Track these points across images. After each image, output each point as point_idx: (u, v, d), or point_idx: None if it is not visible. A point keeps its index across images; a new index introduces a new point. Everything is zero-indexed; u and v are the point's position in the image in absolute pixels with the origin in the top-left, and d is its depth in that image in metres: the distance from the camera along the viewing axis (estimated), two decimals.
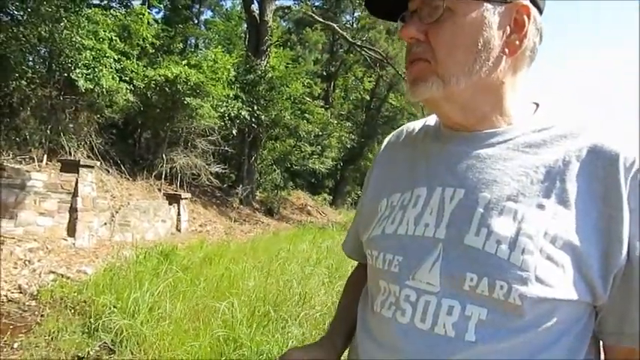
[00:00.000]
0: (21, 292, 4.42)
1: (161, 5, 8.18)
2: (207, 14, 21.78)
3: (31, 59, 7.32)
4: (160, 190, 9.78)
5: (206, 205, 11.75)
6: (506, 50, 0.72)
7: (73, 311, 4.00)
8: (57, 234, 6.19)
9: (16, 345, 3.20)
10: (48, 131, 7.61)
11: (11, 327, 3.57)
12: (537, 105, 0.80)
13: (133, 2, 7.87)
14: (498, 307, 0.65)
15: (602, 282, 0.66)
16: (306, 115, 14.43)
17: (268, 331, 2.90)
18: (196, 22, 17.50)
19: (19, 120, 7.17)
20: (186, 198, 9.41)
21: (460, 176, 0.74)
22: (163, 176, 10.09)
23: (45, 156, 7.56)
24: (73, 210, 6.36)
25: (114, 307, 3.68)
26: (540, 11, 0.75)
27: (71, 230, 6.31)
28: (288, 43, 20.06)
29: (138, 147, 11.10)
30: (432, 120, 0.89)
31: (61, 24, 5.89)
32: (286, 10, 16.93)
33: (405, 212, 0.77)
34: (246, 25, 16.36)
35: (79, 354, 3.09)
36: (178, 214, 9.07)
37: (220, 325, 3.08)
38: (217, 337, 2.85)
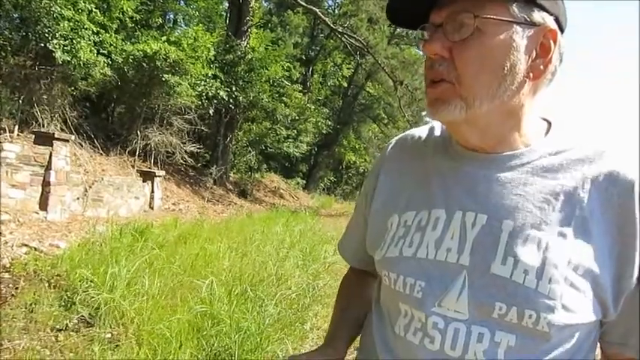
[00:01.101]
0: None
1: None
2: None
3: (3, 26, 7.09)
4: (133, 166, 9.69)
5: (179, 183, 11.70)
6: (531, 75, 0.72)
7: (48, 284, 4.01)
8: (28, 207, 6.12)
9: None
10: (20, 101, 7.45)
11: None
12: (548, 122, 0.81)
13: None
14: (527, 333, 0.68)
15: (614, 303, 0.70)
16: (283, 98, 14.43)
17: (246, 309, 3.02)
18: None
19: None
20: (160, 176, 9.37)
21: (481, 201, 0.74)
22: (137, 153, 9.99)
23: (16, 127, 7.40)
24: (46, 183, 6.28)
25: (90, 281, 3.72)
26: (562, 32, 0.74)
27: (43, 204, 6.24)
28: (269, 25, 19.89)
29: (112, 122, 10.93)
30: (437, 129, 0.89)
31: None
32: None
33: (424, 234, 0.76)
34: (227, 4, 16.12)
35: (57, 326, 3.14)
36: (152, 191, 9.03)
37: (198, 302, 3.18)
38: (196, 313, 2.96)
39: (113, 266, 3.97)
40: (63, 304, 3.49)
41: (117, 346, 2.89)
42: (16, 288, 3.92)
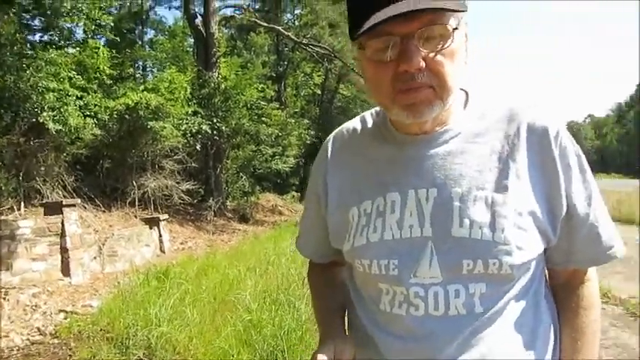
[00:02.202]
0: (41, 334, 4.71)
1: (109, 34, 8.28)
2: (150, 33, 21.76)
3: None
4: (136, 216, 10.01)
5: (182, 223, 12.02)
6: (466, 62, 0.81)
7: (97, 339, 4.36)
8: (53, 276, 6.43)
9: None
10: (20, 178, 7.77)
11: None
12: (465, 92, 0.91)
13: (81, 37, 8.02)
14: (494, 279, 0.79)
15: (552, 231, 0.83)
16: (263, 118, 14.83)
17: (283, 312, 3.41)
18: (141, 43, 17.55)
19: None
20: (164, 219, 9.70)
21: (428, 177, 0.83)
22: (137, 202, 10.32)
23: (22, 203, 7.73)
24: (63, 250, 6.60)
25: (136, 325, 4.07)
26: None
27: (65, 270, 6.56)
28: (235, 50, 20.32)
29: (106, 178, 11.24)
30: (369, 119, 0.97)
31: (27, 72, 6.11)
32: (230, 22, 17.15)
33: (385, 218, 0.84)
34: (192, 40, 16.53)
35: None
36: (160, 235, 9.36)
37: (239, 316, 3.56)
38: (242, 325, 3.34)
39: (152, 307, 4.33)
40: (118, 351, 3.83)
41: None
42: (70, 349, 4.26)
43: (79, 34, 8.40)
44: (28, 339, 4.59)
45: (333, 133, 1.01)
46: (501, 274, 0.78)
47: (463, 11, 0.74)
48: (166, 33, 21.32)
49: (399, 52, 0.74)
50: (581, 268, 0.90)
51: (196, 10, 14.84)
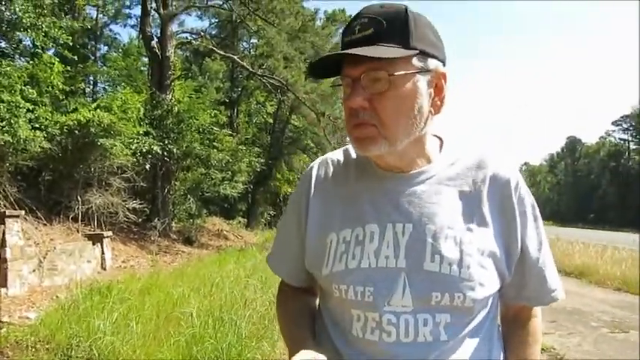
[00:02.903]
0: None
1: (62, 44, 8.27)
2: (103, 49, 21.61)
3: None
4: (78, 231, 9.88)
5: (125, 241, 11.89)
6: (432, 110, 0.90)
7: (34, 349, 4.41)
8: None
9: None
10: None
11: None
12: (439, 138, 1.01)
13: (38, 51, 8.07)
14: (458, 311, 0.87)
15: (507, 270, 0.93)
16: (215, 143, 15.04)
17: (224, 329, 3.68)
18: (94, 59, 17.44)
19: None
20: (107, 236, 9.64)
21: (406, 212, 0.91)
22: (80, 217, 10.19)
23: None
24: (2, 260, 6.51)
25: (79, 337, 4.20)
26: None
27: (2, 280, 6.46)
28: (190, 74, 20.52)
29: (49, 191, 11.03)
30: (353, 153, 1.03)
31: None
32: (186, 46, 17.42)
33: (364, 247, 0.90)
34: (146, 59, 16.62)
35: None
36: (102, 252, 9.29)
37: (183, 330, 3.79)
38: (185, 338, 3.58)
39: (95, 320, 4.46)
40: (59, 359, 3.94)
41: None
42: (7, 358, 4.29)
43: (32, 47, 8.40)
44: None
45: (318, 160, 1.07)
46: (465, 307, 0.86)
47: (407, 57, 0.84)
48: (120, 50, 21.29)
49: (350, 91, 0.86)
50: (529, 305, 1.01)
51: (153, 32, 15.03)
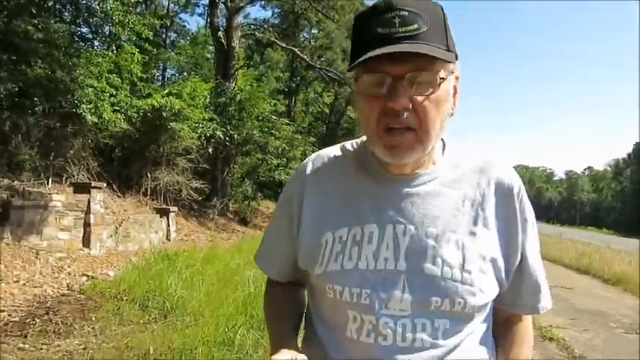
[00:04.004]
0: (69, 289, 5.60)
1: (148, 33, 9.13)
2: (172, 36, 22.90)
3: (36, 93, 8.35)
4: (147, 204, 10.93)
5: (186, 217, 12.92)
6: (451, 112, 0.88)
7: (116, 299, 5.25)
8: (74, 245, 7.32)
9: (93, 318, 4.45)
10: (51, 158, 8.72)
11: (79, 310, 4.80)
12: (442, 140, 0.96)
13: (122, 42, 9.02)
14: (457, 316, 0.85)
15: (506, 277, 0.91)
16: (273, 132, 15.82)
17: None
18: (164, 46, 18.65)
19: (30, 149, 8.26)
20: (173, 211, 10.61)
21: (407, 214, 0.88)
22: (149, 192, 11.25)
23: (50, 179, 8.65)
24: (86, 225, 7.50)
25: (154, 291, 4.98)
26: None
27: (86, 242, 7.45)
28: (252, 63, 21.44)
29: (123, 167, 12.19)
30: (350, 149, 1.00)
31: (77, 71, 7.12)
32: (250, 36, 18.27)
33: (361, 248, 0.87)
34: (212, 49, 17.60)
35: (141, 321, 4.38)
36: (168, 225, 10.26)
37: (240, 294, 4.47)
38: (240, 300, 4.25)
39: (167, 279, 5.24)
40: (138, 308, 4.72)
41: (188, 326, 4.14)
42: (96, 303, 5.14)
43: (117, 38, 9.34)
44: (58, 291, 5.48)
45: (312, 157, 1.03)
46: (465, 313, 0.85)
47: (450, 62, 0.82)
48: (188, 39, 22.49)
49: (390, 90, 0.80)
50: (522, 314, 1.01)
51: (220, 22, 15.95)
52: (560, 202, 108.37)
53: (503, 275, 0.90)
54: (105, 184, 8.45)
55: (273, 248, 1.07)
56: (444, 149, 0.97)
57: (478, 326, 0.90)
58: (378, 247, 0.87)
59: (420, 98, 0.80)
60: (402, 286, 0.84)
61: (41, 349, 3.61)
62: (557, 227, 43.19)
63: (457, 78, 0.88)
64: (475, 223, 0.89)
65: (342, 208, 0.92)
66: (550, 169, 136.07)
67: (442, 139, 0.97)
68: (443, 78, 0.81)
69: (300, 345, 0.96)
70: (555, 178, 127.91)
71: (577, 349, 4.81)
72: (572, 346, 4.89)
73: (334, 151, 1.02)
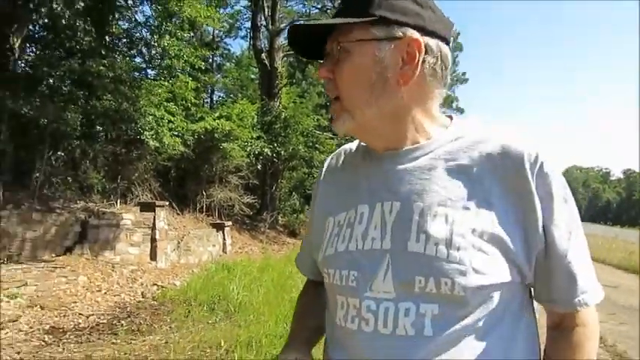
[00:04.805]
0: (143, 297, 6.30)
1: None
2: (218, 59, 24.08)
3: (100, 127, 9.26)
4: (203, 220, 11.71)
5: (239, 231, 13.65)
6: (400, 81, 0.82)
7: (185, 304, 5.88)
8: (143, 259, 8.09)
9: (168, 320, 5.08)
10: (118, 181, 9.62)
11: (155, 314, 5.45)
12: (450, 117, 0.93)
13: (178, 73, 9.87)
14: (446, 300, 0.75)
15: (527, 264, 0.80)
16: (317, 146, 16.42)
17: None
18: (211, 70, 19.75)
19: (97, 174, 9.19)
20: (228, 226, 11.33)
21: (395, 190, 0.84)
22: (205, 209, 12.04)
23: (118, 200, 9.55)
24: (153, 240, 8.27)
25: (218, 295, 5.57)
26: (444, 40, 0.84)
27: (153, 255, 8.21)
28: (294, 80, 22.23)
29: (179, 187, 13.10)
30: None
31: (140, 102, 7.98)
32: (291, 55, 19.05)
33: (353, 229, 0.86)
34: (256, 70, 18.48)
35: (209, 321, 4.97)
36: (224, 239, 10.98)
37: (294, 296, 4.97)
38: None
39: (229, 285, 5.83)
40: (206, 310, 5.32)
41: (251, 324, 4.68)
42: (168, 308, 5.79)
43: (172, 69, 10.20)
44: (135, 299, 6.18)
45: (334, 153, 1.05)
46: (454, 296, 0.75)
47: (399, 25, 0.80)
48: (233, 61, 23.59)
49: None
50: (555, 308, 0.85)
51: (262, 44, 16.79)
52: (619, 203, 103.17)
53: (522, 259, 0.79)
54: (167, 203, 9.23)
55: (305, 247, 1.09)
56: (450, 127, 0.91)
57: (480, 316, 0.78)
58: (367, 227, 0.84)
59: (335, 68, 0.84)
60: (385, 266, 0.80)
61: (130, 343, 4.24)
62: (611, 228, 41.89)
63: (415, 43, 0.81)
64: (471, 198, 0.80)
65: (344, 193, 0.93)
66: (606, 168, 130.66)
67: (450, 117, 0.93)
68: (344, 44, 0.82)
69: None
70: (612, 178, 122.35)
71: (610, 339, 5.01)
72: (606, 336, 5.08)
73: (352, 144, 1.03)
